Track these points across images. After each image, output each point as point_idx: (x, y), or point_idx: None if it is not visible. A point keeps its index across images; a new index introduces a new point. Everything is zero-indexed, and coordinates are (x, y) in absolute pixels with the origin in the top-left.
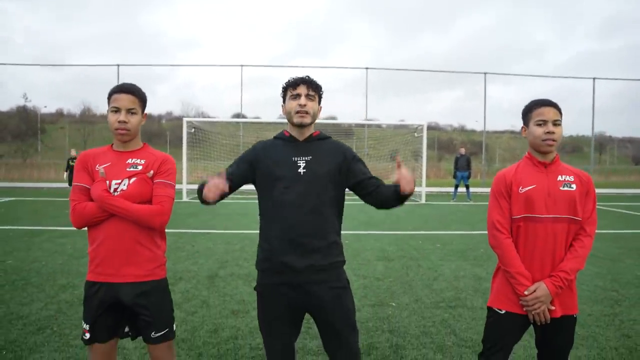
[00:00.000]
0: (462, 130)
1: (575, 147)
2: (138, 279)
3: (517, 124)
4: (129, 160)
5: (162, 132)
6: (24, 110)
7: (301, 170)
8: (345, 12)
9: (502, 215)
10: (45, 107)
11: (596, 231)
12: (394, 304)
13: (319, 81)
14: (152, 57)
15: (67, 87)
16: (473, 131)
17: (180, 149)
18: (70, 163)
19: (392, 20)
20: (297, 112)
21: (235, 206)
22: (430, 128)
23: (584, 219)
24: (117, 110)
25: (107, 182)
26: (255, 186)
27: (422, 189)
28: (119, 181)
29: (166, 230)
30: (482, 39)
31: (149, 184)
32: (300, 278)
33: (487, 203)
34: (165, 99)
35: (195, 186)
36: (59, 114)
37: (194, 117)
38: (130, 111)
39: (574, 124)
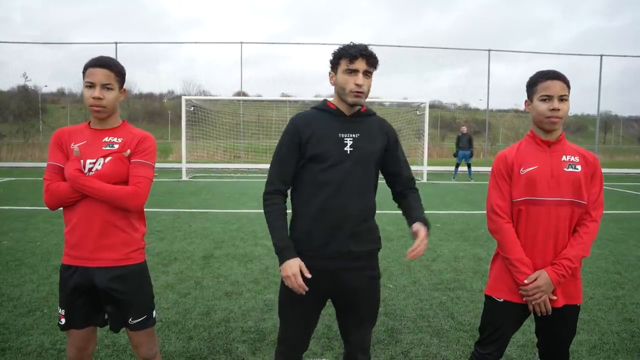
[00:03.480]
0: (465, 108)
1: (580, 126)
2: (113, 263)
3: (521, 102)
4: (106, 139)
5: (164, 111)
6: (24, 89)
7: (348, 148)
8: None
9: (502, 199)
10: (46, 86)
11: None
12: (391, 285)
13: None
14: (154, 36)
15: (67, 67)
16: (476, 110)
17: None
18: None
19: None
20: (352, 92)
21: (234, 185)
22: (434, 106)
23: (590, 203)
24: (91, 85)
25: (82, 161)
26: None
27: (424, 168)
28: (94, 160)
29: (164, 210)
30: (486, 16)
31: (125, 164)
32: (335, 264)
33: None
34: (167, 78)
35: (195, 165)
36: (60, 94)
37: (196, 95)
38: (105, 86)
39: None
